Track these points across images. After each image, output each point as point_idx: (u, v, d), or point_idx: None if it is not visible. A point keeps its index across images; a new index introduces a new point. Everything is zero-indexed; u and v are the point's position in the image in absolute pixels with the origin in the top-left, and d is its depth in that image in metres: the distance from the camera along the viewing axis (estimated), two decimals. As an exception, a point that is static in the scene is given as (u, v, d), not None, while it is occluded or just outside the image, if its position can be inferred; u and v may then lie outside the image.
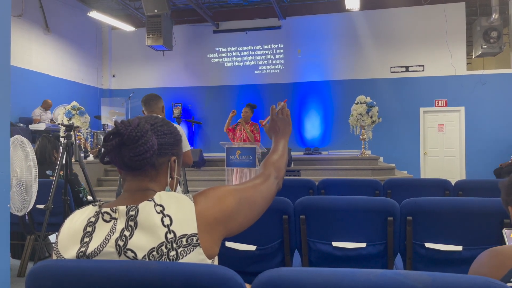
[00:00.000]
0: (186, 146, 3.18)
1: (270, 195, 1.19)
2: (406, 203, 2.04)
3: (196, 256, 0.95)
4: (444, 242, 1.96)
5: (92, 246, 0.95)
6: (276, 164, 1.30)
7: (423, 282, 0.74)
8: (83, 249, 0.95)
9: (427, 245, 1.98)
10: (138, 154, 0.98)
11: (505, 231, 1.33)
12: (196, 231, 0.95)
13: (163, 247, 0.93)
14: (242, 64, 11.63)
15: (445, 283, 0.74)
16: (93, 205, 1.03)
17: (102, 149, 1.01)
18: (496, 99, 10.06)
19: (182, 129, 3.37)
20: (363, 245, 2.04)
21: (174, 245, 0.93)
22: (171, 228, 0.94)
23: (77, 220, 1.00)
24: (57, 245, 1.00)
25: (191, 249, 0.94)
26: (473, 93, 10.20)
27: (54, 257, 1.00)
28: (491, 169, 9.44)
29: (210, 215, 0.99)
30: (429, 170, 10.44)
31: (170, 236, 0.93)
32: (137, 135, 0.98)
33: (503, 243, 1.86)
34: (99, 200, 1.10)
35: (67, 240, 0.99)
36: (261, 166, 1.31)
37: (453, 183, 3.19)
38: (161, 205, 0.96)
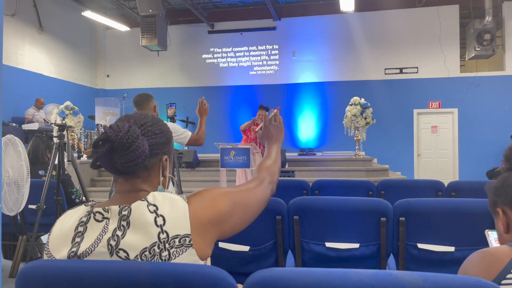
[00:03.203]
0: (187, 134, 3.18)
1: (264, 199, 1.20)
2: (399, 204, 2.04)
3: (189, 257, 0.94)
4: (436, 242, 1.97)
5: (84, 246, 0.94)
6: (269, 169, 1.32)
7: (415, 282, 0.74)
8: (74, 249, 0.94)
9: (420, 245, 1.99)
10: (130, 160, 0.97)
11: (487, 232, 1.33)
12: (189, 232, 0.95)
13: (156, 247, 0.92)
14: (237, 64, 11.63)
15: (437, 283, 0.74)
16: (85, 205, 1.02)
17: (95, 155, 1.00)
18: (489, 101, 10.14)
19: (176, 125, 3.35)
20: (356, 245, 2.04)
21: (167, 246, 0.93)
22: (164, 228, 0.93)
23: (68, 220, 1.00)
24: (48, 245, 1.00)
25: (184, 250, 0.94)
26: (466, 95, 10.27)
27: (45, 257, 0.99)
28: (483, 171, 9.51)
29: (203, 217, 0.98)
30: (423, 171, 10.50)
31: (163, 236, 0.93)
32: (127, 141, 0.96)
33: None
34: (92, 200, 1.09)
35: (58, 240, 0.98)
36: (255, 171, 1.32)
37: (446, 184, 3.21)
38: (154, 205, 0.96)
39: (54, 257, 0.97)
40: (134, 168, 0.99)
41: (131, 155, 0.96)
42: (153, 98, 3.15)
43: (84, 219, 0.98)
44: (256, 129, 1.51)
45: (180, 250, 0.94)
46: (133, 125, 1.00)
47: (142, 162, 0.99)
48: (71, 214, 1.01)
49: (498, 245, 1.24)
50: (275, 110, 1.48)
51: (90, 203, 1.03)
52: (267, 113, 1.48)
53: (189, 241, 0.94)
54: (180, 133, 3.13)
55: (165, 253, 0.92)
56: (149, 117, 1.07)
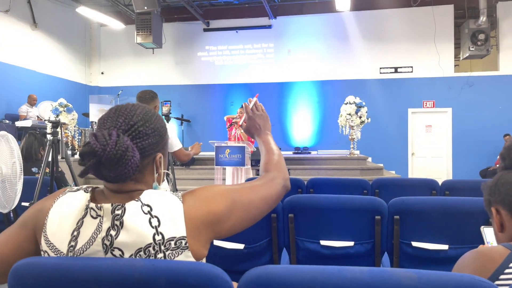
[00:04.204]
0: (177, 144, 3.17)
1: (273, 197, 1.13)
2: (393, 203, 2.05)
3: (185, 259, 0.93)
4: (430, 241, 1.98)
5: (80, 243, 0.93)
6: (278, 165, 1.23)
7: (410, 279, 0.74)
8: (73, 243, 0.93)
9: (414, 244, 2.00)
10: (120, 174, 0.91)
11: (483, 228, 1.34)
12: (184, 234, 0.93)
13: (151, 249, 0.91)
14: (232, 63, 11.60)
15: (431, 281, 0.74)
16: (85, 191, 0.99)
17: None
18: (483, 101, 10.20)
19: (173, 127, 3.35)
20: (351, 243, 2.05)
21: (162, 248, 0.91)
22: (159, 230, 0.91)
23: (68, 205, 0.97)
24: (45, 226, 0.96)
25: (180, 252, 0.92)
26: (460, 94, 10.33)
27: (42, 239, 0.96)
28: (477, 170, 9.57)
29: (197, 217, 0.95)
30: (417, 170, 10.55)
31: (158, 238, 0.91)
32: (116, 156, 0.88)
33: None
34: (91, 187, 1.04)
35: (56, 225, 0.96)
36: (263, 169, 1.24)
37: (440, 183, 3.22)
38: (148, 205, 0.94)
39: (52, 242, 0.95)
40: (125, 180, 0.94)
41: (120, 169, 0.90)
42: (157, 98, 3.12)
43: (82, 213, 0.95)
44: (240, 122, 1.44)
45: (175, 252, 0.92)
46: (121, 134, 0.92)
47: (133, 173, 0.93)
48: (71, 199, 0.98)
49: (493, 241, 1.25)
50: (254, 98, 1.38)
51: (89, 189, 1.00)
52: (246, 103, 1.37)
53: (185, 243, 0.93)
54: (173, 138, 3.13)
55: (160, 255, 0.91)
56: (140, 115, 0.99)
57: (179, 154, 3.21)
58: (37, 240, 1.00)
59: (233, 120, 6.19)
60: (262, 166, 1.25)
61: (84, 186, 1.02)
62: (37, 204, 1.03)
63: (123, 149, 0.89)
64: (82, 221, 0.94)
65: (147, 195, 0.96)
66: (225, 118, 6.56)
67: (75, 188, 1.02)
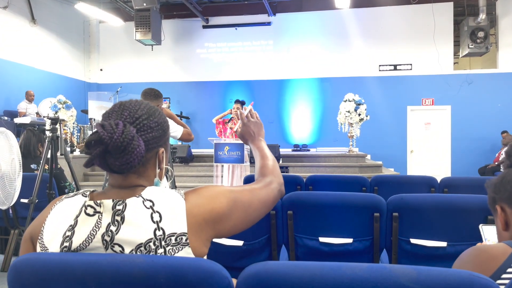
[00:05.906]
0: (179, 130, 3.19)
1: (269, 201, 1.16)
2: (392, 200, 2.05)
3: (185, 256, 0.93)
4: (429, 238, 1.98)
5: (77, 241, 0.92)
6: (274, 170, 1.26)
7: (409, 275, 0.74)
8: (66, 244, 0.92)
9: (413, 240, 2.00)
10: (125, 163, 0.93)
11: (481, 226, 1.33)
12: (185, 230, 0.93)
13: (151, 244, 0.91)
14: (231, 60, 11.58)
15: (430, 277, 0.74)
16: (82, 195, 0.99)
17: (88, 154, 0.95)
18: (482, 98, 10.21)
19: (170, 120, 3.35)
20: (350, 240, 2.05)
21: (163, 243, 0.91)
22: (160, 225, 0.92)
23: (65, 210, 0.97)
24: (42, 234, 0.97)
25: (180, 248, 0.92)
26: (459, 92, 10.34)
27: (38, 247, 0.96)
28: (476, 167, 9.58)
29: (199, 215, 0.96)
30: (416, 167, 10.56)
31: (159, 233, 0.91)
32: (122, 144, 0.91)
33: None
34: (89, 190, 1.04)
35: (53, 231, 0.96)
36: (258, 173, 1.25)
37: (438, 181, 3.23)
38: (150, 200, 0.94)
39: (47, 248, 0.95)
40: (129, 169, 0.95)
41: (126, 157, 0.92)
42: (162, 98, 3.14)
43: (77, 212, 0.95)
44: (234, 128, 1.47)
45: (176, 248, 0.92)
46: (127, 124, 0.95)
47: (138, 163, 0.95)
48: (68, 204, 0.98)
49: (492, 239, 1.24)
50: (249, 106, 1.44)
51: (87, 192, 1.00)
52: (242, 111, 1.42)
53: (186, 240, 0.93)
54: (171, 128, 3.13)
55: (160, 251, 0.91)
56: (144, 109, 1.02)
57: (185, 137, 3.24)
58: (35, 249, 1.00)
59: (231, 116, 6.12)
60: (258, 170, 1.27)
61: (81, 190, 1.02)
62: (36, 218, 1.05)
63: (129, 137, 0.92)
64: (76, 221, 0.94)
65: (149, 191, 0.96)
66: (213, 120, 6.35)
67: (72, 194, 1.02)
